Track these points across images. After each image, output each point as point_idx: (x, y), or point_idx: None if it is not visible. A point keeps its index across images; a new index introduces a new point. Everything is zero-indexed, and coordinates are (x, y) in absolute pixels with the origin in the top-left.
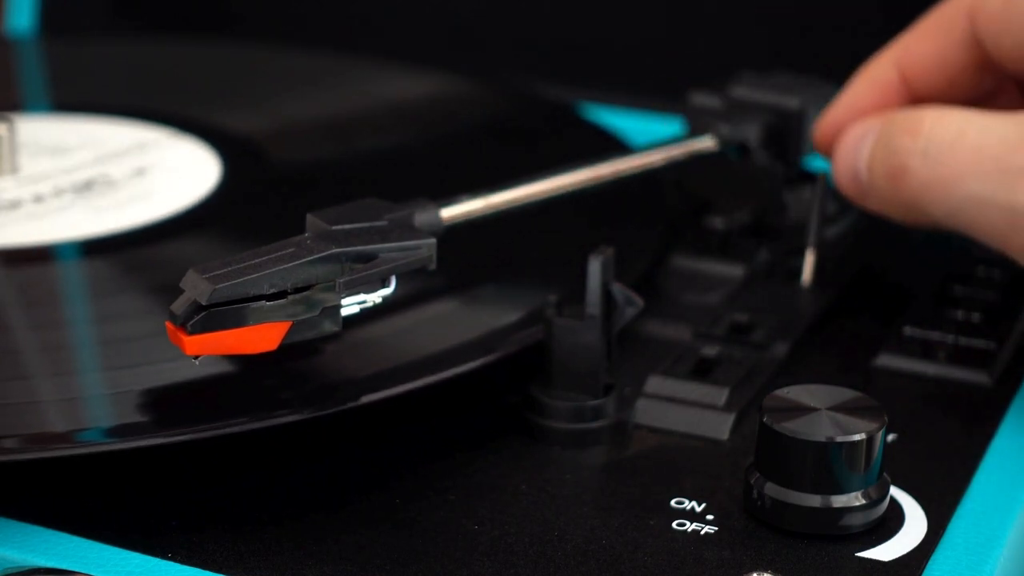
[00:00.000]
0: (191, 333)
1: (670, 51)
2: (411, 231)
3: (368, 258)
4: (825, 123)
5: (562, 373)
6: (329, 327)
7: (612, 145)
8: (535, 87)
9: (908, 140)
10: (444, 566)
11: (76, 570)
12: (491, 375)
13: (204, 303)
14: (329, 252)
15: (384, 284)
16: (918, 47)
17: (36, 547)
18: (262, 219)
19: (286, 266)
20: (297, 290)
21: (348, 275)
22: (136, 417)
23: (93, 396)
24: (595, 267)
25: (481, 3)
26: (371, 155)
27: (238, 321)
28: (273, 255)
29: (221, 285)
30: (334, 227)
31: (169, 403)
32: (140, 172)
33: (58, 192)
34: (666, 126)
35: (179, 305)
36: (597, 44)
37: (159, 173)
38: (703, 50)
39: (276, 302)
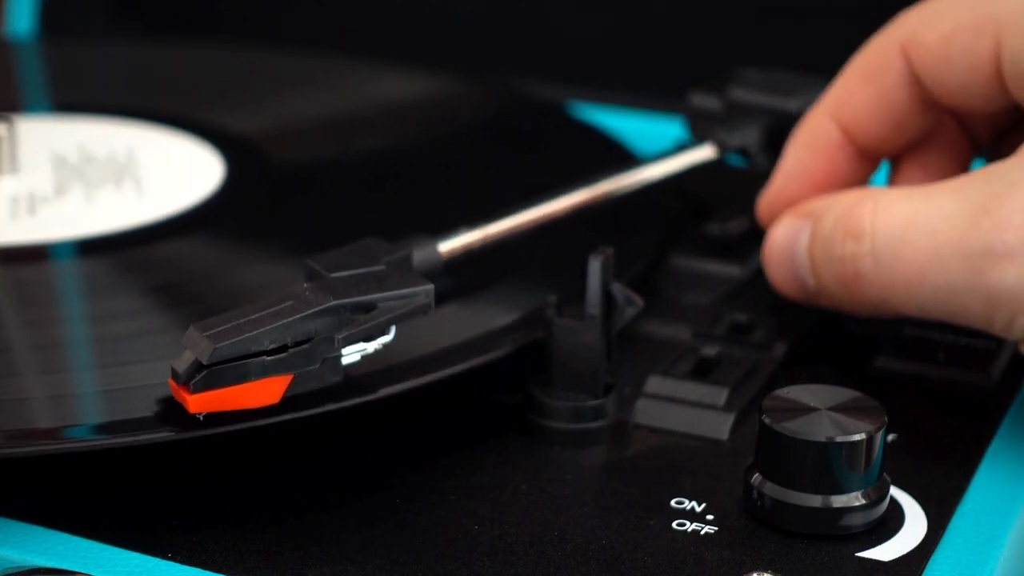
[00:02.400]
0: (194, 392)
1: (670, 50)
2: (409, 276)
3: (367, 308)
4: (769, 198)
5: (562, 373)
6: (331, 378)
7: (609, 145)
8: (534, 87)
9: (852, 244)
10: (444, 566)
11: (76, 570)
12: (491, 374)
13: (205, 362)
14: (327, 305)
15: (383, 332)
16: (854, 96)
17: (36, 547)
18: (265, 219)
19: (285, 321)
20: (297, 343)
21: (347, 329)
22: (135, 415)
23: (91, 393)
24: (595, 267)
25: (480, 3)
26: (371, 155)
27: (240, 378)
28: (272, 309)
29: (222, 344)
30: (332, 275)
31: (167, 401)
32: (141, 172)
33: (58, 192)
34: (665, 126)
35: (181, 363)
36: (596, 43)
37: (160, 173)
38: (703, 49)
39: (276, 356)
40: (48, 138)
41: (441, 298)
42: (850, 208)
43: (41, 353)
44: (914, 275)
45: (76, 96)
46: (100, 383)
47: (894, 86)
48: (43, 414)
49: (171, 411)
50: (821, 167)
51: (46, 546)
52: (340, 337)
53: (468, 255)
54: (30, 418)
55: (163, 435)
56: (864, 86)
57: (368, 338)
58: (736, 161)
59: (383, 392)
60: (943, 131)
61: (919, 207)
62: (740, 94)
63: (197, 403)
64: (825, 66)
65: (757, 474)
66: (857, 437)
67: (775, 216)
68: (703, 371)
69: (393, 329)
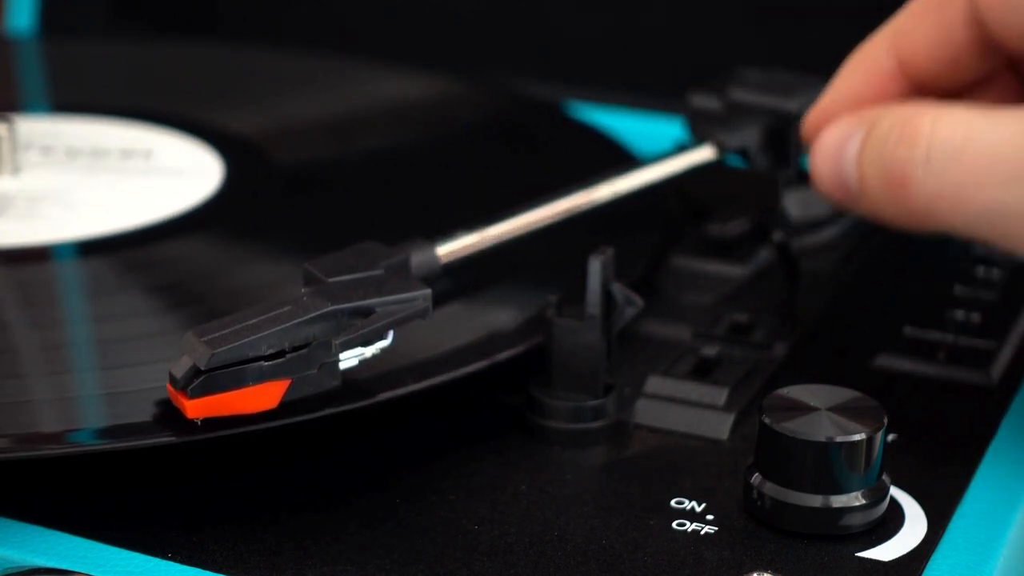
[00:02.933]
0: (191, 397)
1: (670, 50)
2: (407, 280)
3: (365, 312)
4: (816, 114)
5: (562, 373)
6: (329, 382)
7: (608, 145)
8: (533, 87)
9: (905, 149)
10: (444, 566)
11: (76, 570)
12: (490, 377)
13: (203, 368)
14: (326, 310)
15: (381, 337)
16: (914, 30)
17: (36, 547)
18: (265, 219)
19: (283, 326)
20: (295, 348)
21: (345, 334)
22: (137, 418)
23: (91, 396)
24: (595, 267)
25: (480, 3)
26: (371, 155)
27: (237, 383)
28: (270, 314)
29: (219, 349)
30: (330, 280)
31: (168, 403)
32: (141, 172)
33: (59, 192)
34: (665, 126)
35: (179, 368)
36: (595, 43)
37: (160, 173)
38: (703, 49)
39: (274, 361)
40: (48, 138)
41: (440, 299)
42: (910, 116)
43: (42, 355)
44: (967, 189)
45: (76, 96)
46: (101, 385)
47: (955, 23)
48: (44, 417)
49: (172, 414)
50: (872, 93)
51: (46, 546)
52: (338, 342)
53: (466, 258)
54: (31, 421)
55: (163, 439)
56: (925, 19)
57: (366, 343)
58: (736, 161)
59: (381, 396)
60: (1001, 76)
61: (982, 124)
62: (740, 94)
63: (195, 408)
64: (825, 66)
65: (757, 474)
66: (857, 437)
67: (819, 132)
68: (703, 371)
69: (391, 334)
